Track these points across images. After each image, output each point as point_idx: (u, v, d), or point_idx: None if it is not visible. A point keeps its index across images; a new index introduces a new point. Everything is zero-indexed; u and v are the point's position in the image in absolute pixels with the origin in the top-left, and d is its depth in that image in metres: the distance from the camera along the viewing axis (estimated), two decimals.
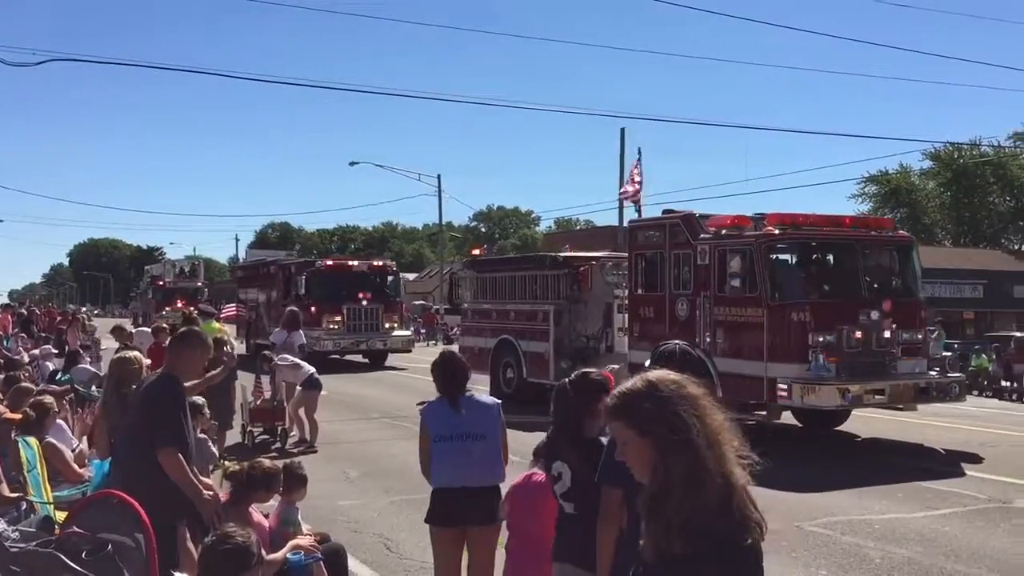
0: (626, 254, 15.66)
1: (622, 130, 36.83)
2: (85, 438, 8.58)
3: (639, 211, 15.74)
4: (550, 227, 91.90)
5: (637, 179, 16.21)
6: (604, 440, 3.67)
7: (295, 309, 16.00)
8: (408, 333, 27.22)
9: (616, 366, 4.71)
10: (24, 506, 5.82)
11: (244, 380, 12.62)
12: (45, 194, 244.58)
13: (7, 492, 5.70)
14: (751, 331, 12.54)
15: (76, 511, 4.50)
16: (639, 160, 15.95)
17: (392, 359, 26.35)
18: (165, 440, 4.78)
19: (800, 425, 14.28)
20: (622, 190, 15.56)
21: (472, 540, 4.93)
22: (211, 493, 4.98)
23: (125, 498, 4.19)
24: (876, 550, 7.50)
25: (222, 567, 3.46)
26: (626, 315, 15.16)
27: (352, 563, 6.20)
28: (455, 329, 44.82)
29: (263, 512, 5.64)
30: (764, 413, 13.26)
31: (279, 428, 12.61)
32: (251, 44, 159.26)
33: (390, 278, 26.83)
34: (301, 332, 14.99)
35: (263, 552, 3.89)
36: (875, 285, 12.85)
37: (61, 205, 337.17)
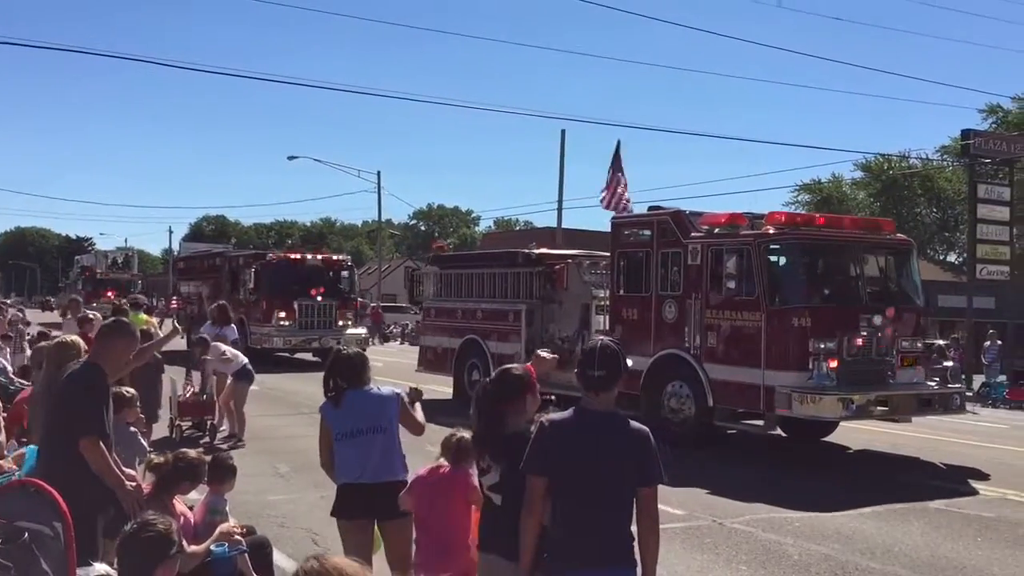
0: (605, 253, 14.70)
1: (562, 132, 36.52)
2: (3, 429, 8.22)
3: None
4: (490, 227, 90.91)
5: (621, 186, 14.85)
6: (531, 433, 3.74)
7: (224, 303, 14.91)
8: (363, 331, 25.77)
9: (545, 352, 4.61)
10: None
11: (174, 373, 12.21)
12: None
13: None
14: (747, 336, 11.61)
15: None
16: (615, 164, 14.62)
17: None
18: (86, 429, 4.68)
19: (784, 435, 13.43)
20: (602, 196, 14.38)
21: (385, 533, 4.93)
22: (133, 484, 4.85)
23: (43, 486, 4.02)
24: (795, 547, 7.53)
25: (141, 555, 3.37)
26: (606, 317, 14.15)
27: (279, 557, 6.10)
28: (392, 327, 43.97)
29: (188, 505, 5.52)
30: (754, 423, 12.43)
31: (208, 422, 12.35)
32: (191, 34, 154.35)
33: (345, 273, 25.36)
34: (233, 327, 14.11)
35: (184, 542, 3.86)
36: (875, 290, 12.05)
37: None
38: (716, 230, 12.30)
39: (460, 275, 16.91)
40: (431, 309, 17.57)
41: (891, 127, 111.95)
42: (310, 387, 18.55)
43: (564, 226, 41.08)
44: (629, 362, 3.72)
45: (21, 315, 20.85)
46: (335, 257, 26.37)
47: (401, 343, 38.30)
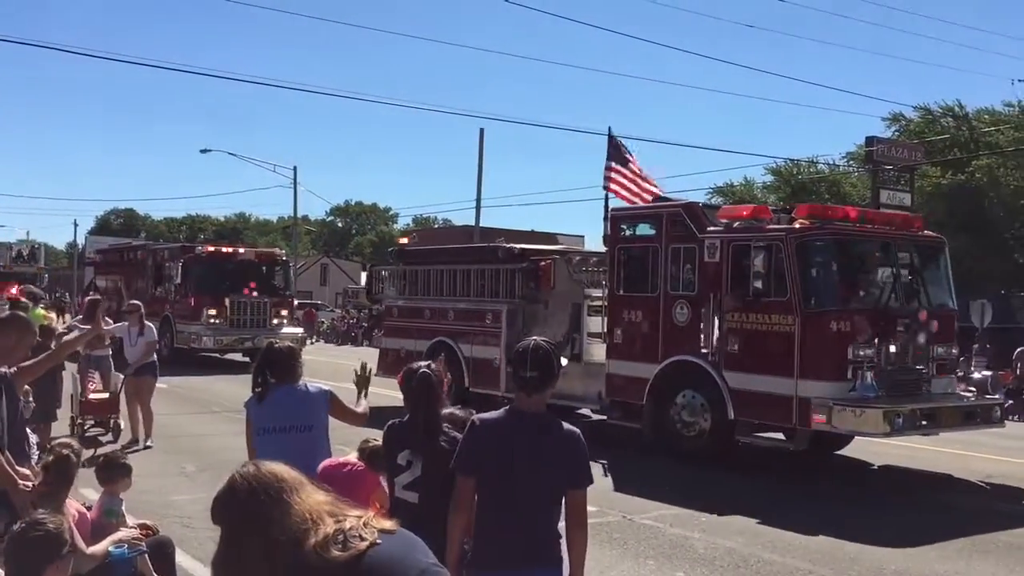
0: (594, 249, 13.05)
1: (481, 131, 35.41)
2: None
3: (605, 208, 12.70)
4: (408, 225, 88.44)
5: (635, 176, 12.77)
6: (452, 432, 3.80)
7: (96, 299, 13.25)
8: (299, 330, 23.40)
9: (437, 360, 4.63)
10: None
11: (73, 370, 11.64)
12: None
13: None
14: (777, 341, 10.09)
15: None
16: (615, 155, 12.69)
17: None
18: None
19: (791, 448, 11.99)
20: (605, 186, 12.48)
21: None
22: (27, 483, 4.53)
23: None
24: (701, 541, 7.53)
25: (30, 555, 3.25)
26: (601, 318, 12.48)
27: (183, 558, 5.95)
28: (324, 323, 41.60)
29: (86, 505, 5.26)
30: (770, 435, 10.96)
31: (111, 421, 11.78)
32: (103, 21, 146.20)
33: (279, 269, 23.05)
34: (151, 326, 12.62)
35: (78, 542, 3.78)
36: (910, 292, 10.70)
37: None
38: (736, 224, 10.78)
39: (428, 271, 14.94)
40: (393, 308, 15.52)
41: (800, 133, 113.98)
42: (232, 387, 16.97)
43: (482, 224, 40.10)
44: (564, 362, 3.59)
45: None
46: (269, 251, 23.98)
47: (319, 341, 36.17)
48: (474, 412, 4.07)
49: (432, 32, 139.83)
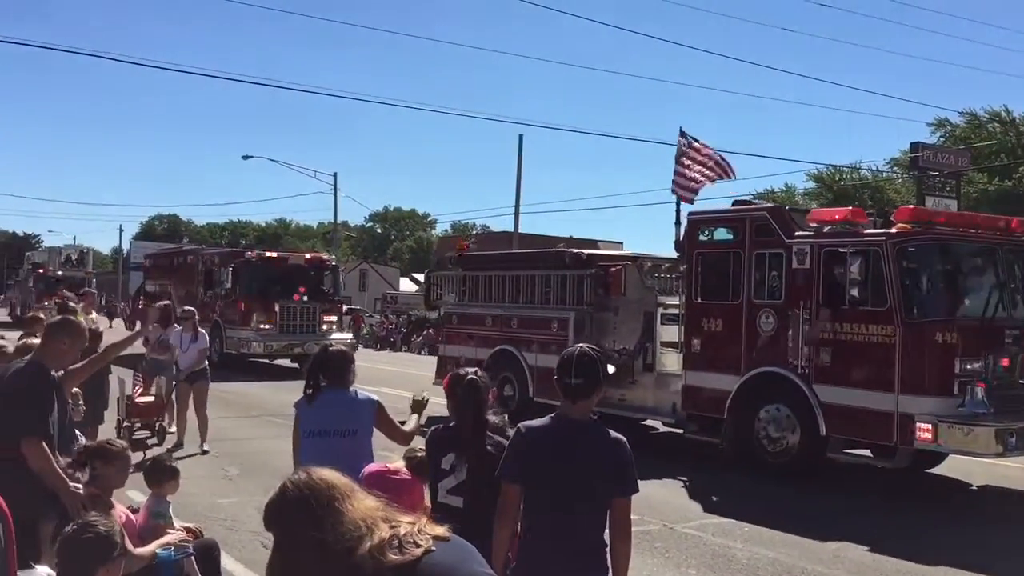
0: (665, 255, 12.38)
1: (520, 136, 34.96)
2: None
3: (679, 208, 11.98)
4: (446, 231, 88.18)
5: (696, 168, 11.97)
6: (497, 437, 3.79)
7: (168, 304, 13.33)
8: (348, 336, 22.88)
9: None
10: None
11: (122, 374, 11.57)
12: None
13: None
14: (876, 353, 9.34)
15: None
16: (689, 144, 11.97)
17: None
18: (28, 428, 4.44)
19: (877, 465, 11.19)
20: (672, 188, 11.74)
21: None
22: (77, 485, 4.44)
23: None
24: (743, 551, 7.35)
25: (82, 557, 3.21)
26: (677, 327, 11.79)
27: (227, 560, 5.96)
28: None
29: (132, 508, 5.24)
30: (858, 452, 10.21)
31: (157, 424, 11.62)
32: (143, 31, 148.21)
33: (329, 274, 22.59)
34: (204, 332, 12.49)
35: (127, 544, 3.74)
36: (1018, 300, 9.89)
37: None
38: (828, 228, 10.06)
39: (489, 277, 14.34)
40: (453, 315, 14.92)
41: (843, 138, 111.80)
42: (277, 393, 16.77)
43: (521, 230, 39.55)
44: (610, 369, 3.53)
45: None
46: (318, 256, 23.51)
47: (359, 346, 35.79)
48: (506, 417, 4.21)
49: (474, 39, 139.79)
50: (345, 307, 25.16)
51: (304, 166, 45.96)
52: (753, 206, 11.03)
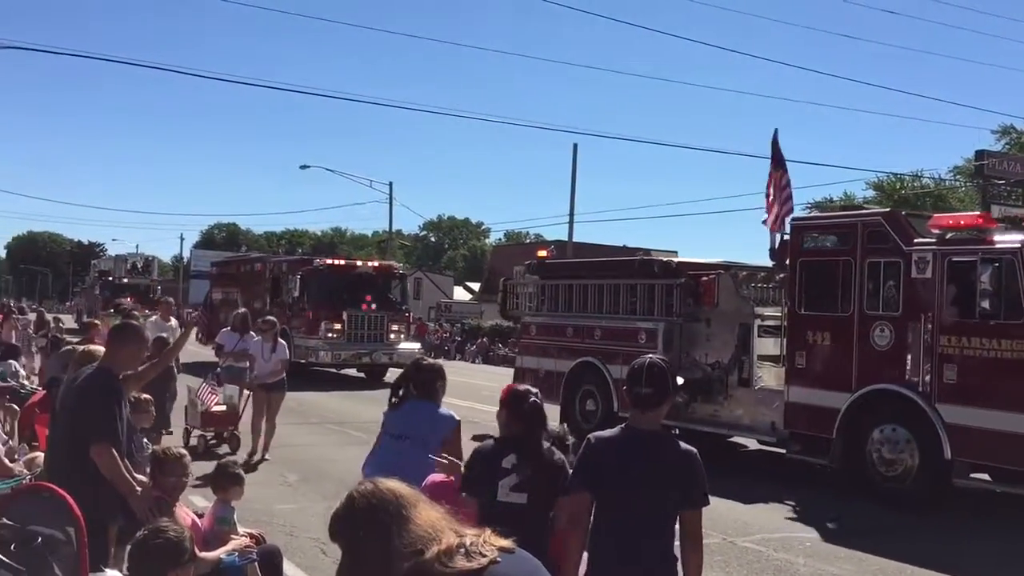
0: (763, 263, 11.62)
1: (574, 145, 34.36)
2: (16, 433, 8.31)
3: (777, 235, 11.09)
4: (500, 239, 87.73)
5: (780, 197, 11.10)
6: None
7: (245, 311, 12.99)
8: (416, 346, 22.37)
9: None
10: None
11: (191, 382, 11.81)
12: None
13: None
14: (1011, 371, 8.54)
15: (6, 502, 4.01)
16: (780, 173, 11.08)
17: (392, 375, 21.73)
18: (97, 434, 4.41)
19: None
20: (765, 219, 10.98)
21: None
22: (145, 490, 4.49)
23: (56, 490, 3.84)
24: (806, 567, 7.21)
25: (154, 561, 3.30)
26: (778, 340, 11.04)
27: (288, 567, 5.81)
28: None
29: (197, 513, 5.41)
30: (980, 476, 9.34)
31: (229, 432, 11.45)
32: (201, 43, 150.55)
33: (396, 283, 22.15)
34: (254, 333, 12.07)
35: (196, 549, 3.71)
36: None
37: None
38: (951, 235, 9.25)
39: (570, 286, 13.70)
40: (531, 325, 14.30)
41: (903, 146, 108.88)
42: (339, 402, 16.54)
43: (575, 239, 39.04)
44: (679, 380, 3.52)
45: (55, 322, 19.52)
46: (386, 264, 23.06)
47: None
48: (566, 427, 4.45)
49: (524, 46, 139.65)
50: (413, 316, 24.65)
51: (359, 175, 45.96)
52: (866, 210, 10.25)
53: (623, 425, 3.49)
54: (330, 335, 20.27)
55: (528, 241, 76.39)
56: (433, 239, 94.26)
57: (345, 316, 20.37)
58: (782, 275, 11.02)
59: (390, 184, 42.92)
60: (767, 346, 11.35)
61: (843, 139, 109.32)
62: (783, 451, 10.79)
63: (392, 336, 20.90)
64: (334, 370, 21.52)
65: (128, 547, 3.54)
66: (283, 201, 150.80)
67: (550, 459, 3.87)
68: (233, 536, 5.07)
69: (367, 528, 1.81)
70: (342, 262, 22.43)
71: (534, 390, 4.14)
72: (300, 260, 22.80)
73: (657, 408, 3.42)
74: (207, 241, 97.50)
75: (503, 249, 71.12)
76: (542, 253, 14.77)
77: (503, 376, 25.36)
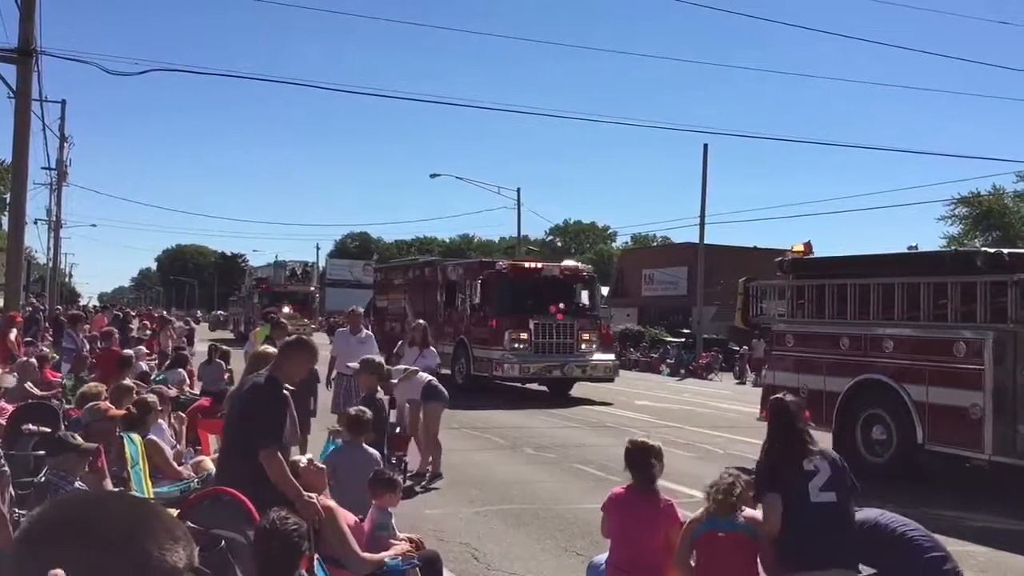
0: None
1: (705, 146, 31.88)
2: (184, 438, 8.30)
3: None
4: (626, 243, 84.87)
5: None
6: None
7: (424, 324, 11.76)
8: (611, 357, 19.48)
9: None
10: None
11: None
12: (137, 200, 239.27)
13: (109, 487, 5.34)
14: None
15: (188, 507, 4.21)
16: None
17: (580, 389, 19.59)
18: (266, 440, 4.48)
19: None
20: None
21: None
22: (312, 495, 4.51)
23: (236, 495, 4.02)
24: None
25: (276, 550, 3.42)
26: None
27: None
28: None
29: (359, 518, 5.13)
30: None
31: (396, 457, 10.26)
32: (334, 56, 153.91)
33: (585, 289, 19.84)
34: (434, 350, 11.37)
35: (353, 546, 4.35)
36: None
37: (151, 211, 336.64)
38: None
39: (841, 287, 11.20)
40: (786, 335, 11.88)
41: None
42: (516, 419, 15.07)
43: (706, 242, 36.36)
44: None
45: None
46: (574, 266, 20.46)
47: None
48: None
49: (653, 47, 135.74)
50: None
51: (486, 181, 44.77)
52: None
53: None
54: (516, 345, 18.24)
55: (655, 244, 73.36)
56: (560, 243, 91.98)
57: (532, 324, 18.32)
58: None
59: (518, 190, 41.81)
60: None
61: (990, 129, 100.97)
62: None
63: (584, 346, 18.72)
64: (518, 384, 19.56)
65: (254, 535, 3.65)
66: (413, 209, 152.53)
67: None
68: (393, 541, 5.06)
69: None
70: (527, 264, 20.24)
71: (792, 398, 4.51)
72: (479, 263, 20.78)
73: None
74: (341, 250, 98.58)
75: (631, 252, 68.36)
76: (798, 248, 12.31)
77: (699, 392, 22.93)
